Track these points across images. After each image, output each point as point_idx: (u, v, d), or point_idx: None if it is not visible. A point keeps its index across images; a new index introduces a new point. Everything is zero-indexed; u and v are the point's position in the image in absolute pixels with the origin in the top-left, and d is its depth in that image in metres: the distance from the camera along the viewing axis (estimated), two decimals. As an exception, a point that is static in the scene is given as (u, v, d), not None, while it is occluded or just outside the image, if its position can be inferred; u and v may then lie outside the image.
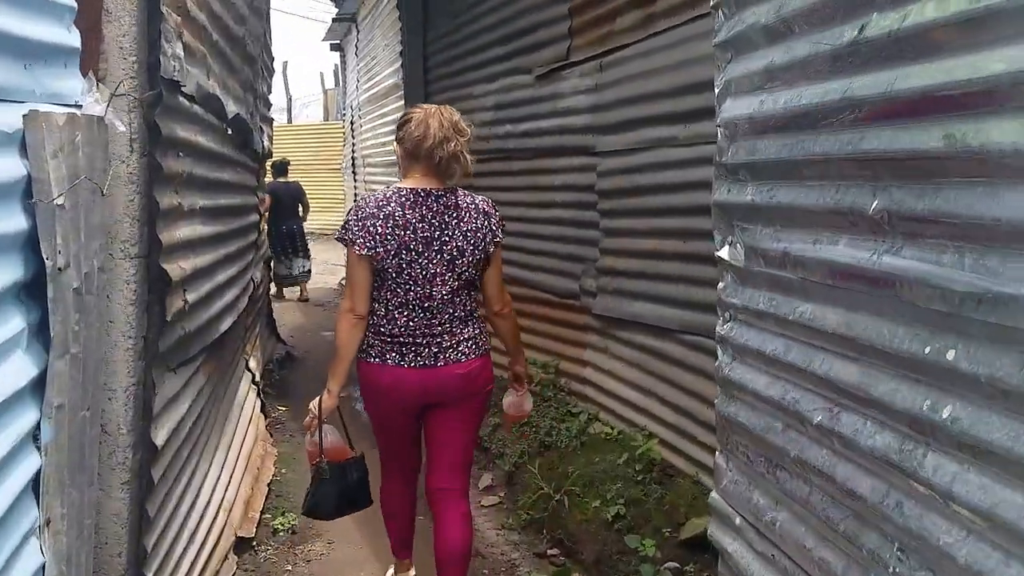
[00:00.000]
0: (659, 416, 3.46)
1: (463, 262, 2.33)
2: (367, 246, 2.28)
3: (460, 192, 2.42)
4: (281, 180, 8.13)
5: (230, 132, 2.86)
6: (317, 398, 2.46)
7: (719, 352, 1.98)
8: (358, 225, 2.31)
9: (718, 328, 1.98)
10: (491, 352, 2.53)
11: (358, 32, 9.37)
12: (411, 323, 2.35)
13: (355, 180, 10.03)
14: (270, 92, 4.95)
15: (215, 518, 2.89)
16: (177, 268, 2.17)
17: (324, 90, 18.11)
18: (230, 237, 3.12)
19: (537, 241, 4.48)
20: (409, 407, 2.45)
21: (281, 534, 3.46)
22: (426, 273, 2.31)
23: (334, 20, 9.72)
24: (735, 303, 1.88)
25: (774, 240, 1.68)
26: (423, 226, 2.30)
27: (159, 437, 2.14)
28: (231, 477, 3.23)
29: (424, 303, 2.33)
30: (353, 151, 10.15)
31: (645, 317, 3.49)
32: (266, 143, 4.43)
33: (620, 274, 3.69)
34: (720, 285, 1.96)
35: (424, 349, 2.36)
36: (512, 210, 4.75)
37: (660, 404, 3.45)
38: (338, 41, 11.33)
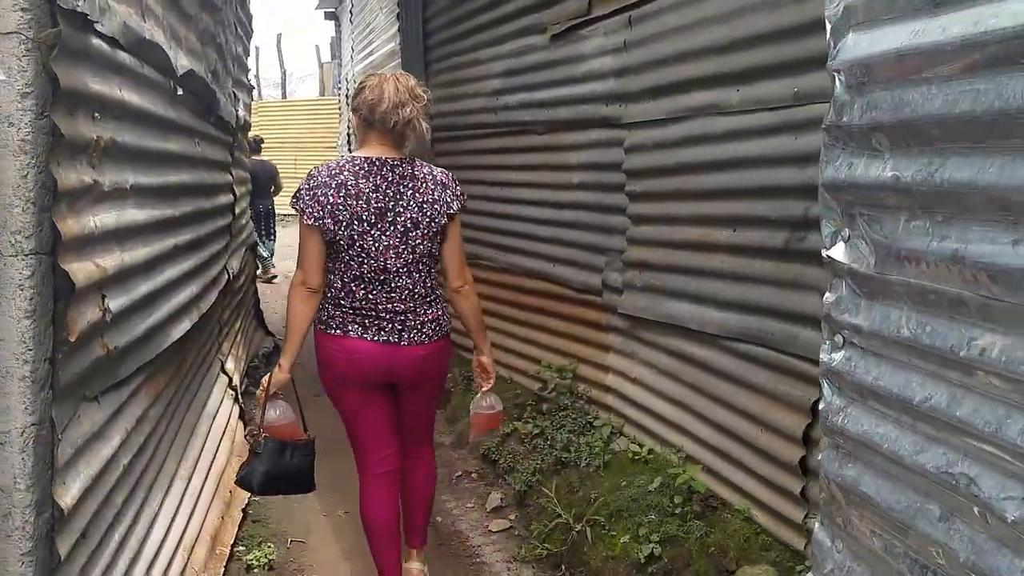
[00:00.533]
0: (698, 436, 2.93)
1: (417, 234, 2.28)
2: (315, 216, 2.22)
3: (417, 162, 2.35)
4: (256, 159, 7.92)
5: (180, 93, 2.31)
6: (269, 373, 2.40)
7: (824, 388, 1.44)
8: (309, 194, 2.23)
9: (823, 355, 1.44)
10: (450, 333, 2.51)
11: (353, -3, 8.78)
12: (370, 295, 2.30)
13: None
14: (247, 54, 4.38)
15: (170, 564, 2.38)
16: (89, 267, 1.63)
17: (320, 64, 17.44)
18: (186, 222, 2.58)
19: (552, 228, 3.93)
20: (370, 381, 2.39)
21: (256, 571, 2.95)
22: (379, 245, 2.25)
23: (328, -15, 9.11)
24: (854, 323, 1.34)
25: (933, 237, 1.13)
26: (376, 196, 2.24)
27: (69, 492, 1.62)
28: (193, 509, 2.71)
29: (380, 276, 2.28)
30: (349, 127, 9.55)
31: (683, 319, 2.95)
32: (241, 112, 3.87)
33: (652, 268, 3.14)
34: (828, 297, 1.42)
35: (388, 324, 2.32)
36: (524, 192, 4.20)
37: (700, 422, 2.92)
38: (333, 9, 10.70)
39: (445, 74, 5.12)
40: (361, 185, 2.24)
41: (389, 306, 2.31)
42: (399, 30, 6.02)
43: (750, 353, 2.63)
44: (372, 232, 2.25)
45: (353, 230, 2.24)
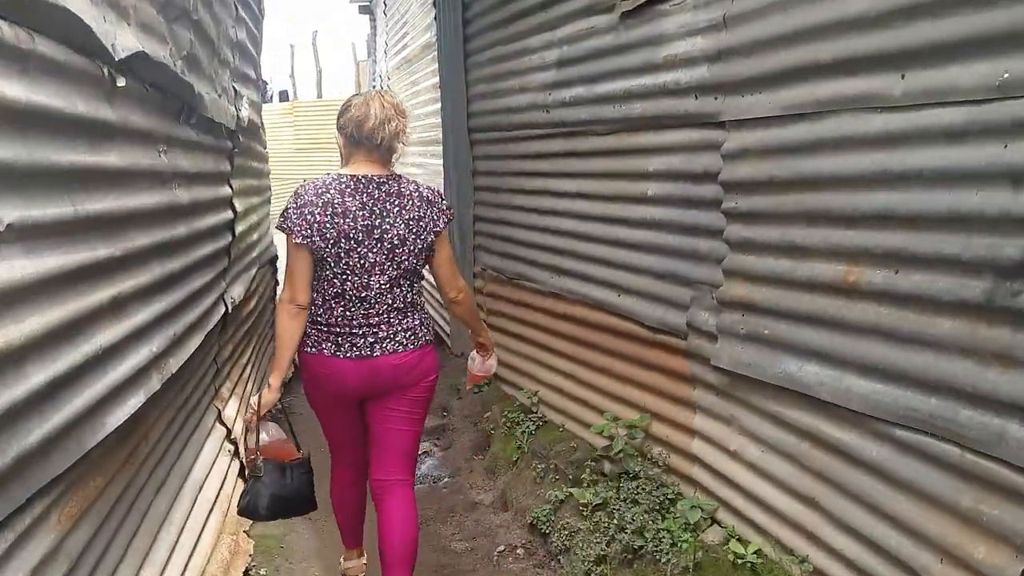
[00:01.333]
0: (832, 546, 2.17)
1: (403, 251, 2.30)
2: (303, 234, 2.23)
3: (403, 179, 2.36)
4: None
5: (122, 84, 1.63)
6: (258, 393, 2.37)
7: None
8: (296, 213, 2.24)
9: None
10: (433, 343, 2.49)
11: (387, -13, 8.13)
12: (348, 313, 2.31)
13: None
14: (257, 42, 3.72)
15: None
16: None
17: (356, 62, 16.90)
18: (141, 261, 1.91)
19: (619, 250, 3.19)
20: (347, 398, 2.41)
21: None
22: (364, 263, 2.27)
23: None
24: None
25: None
26: (363, 214, 2.25)
27: None
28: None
29: (361, 293, 2.29)
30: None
31: (810, 386, 2.19)
32: (244, 112, 3.21)
33: (762, 312, 2.38)
34: None
35: (360, 340, 2.32)
36: (582, 205, 3.47)
37: (835, 527, 2.16)
38: (367, 3, 10.09)
39: (487, 67, 4.41)
40: (348, 203, 2.24)
41: (364, 321, 2.31)
42: (435, 19, 5.32)
43: (920, 447, 1.86)
44: (359, 249, 2.26)
45: (340, 248, 2.24)
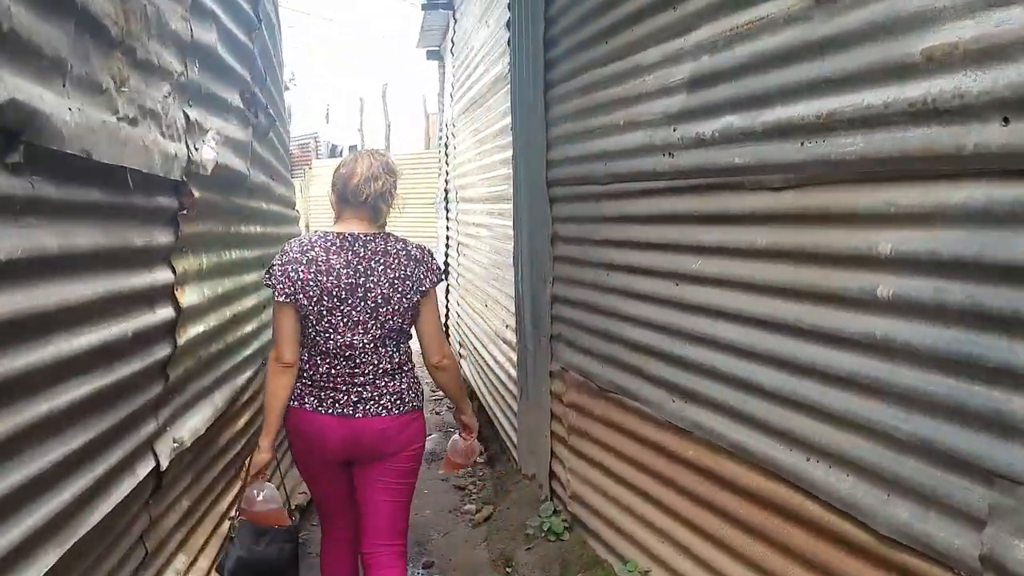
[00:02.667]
0: None
1: (387, 311, 2.26)
2: (286, 292, 2.21)
3: (391, 237, 2.35)
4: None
5: None
6: (251, 454, 2.34)
7: None
8: (281, 270, 2.23)
9: None
10: (421, 410, 2.42)
11: (455, 23, 7.15)
12: (333, 371, 2.27)
13: (447, 218, 7.75)
14: (252, 61, 2.63)
15: None
16: None
17: (426, 115, 16.21)
18: None
19: (811, 384, 1.89)
20: (329, 456, 2.33)
21: None
22: (348, 321, 2.24)
23: (423, 8, 7.52)
24: None
25: None
26: (348, 272, 2.24)
27: None
28: None
29: (345, 352, 2.26)
30: (447, 181, 7.90)
31: None
32: (208, 155, 2.07)
33: None
34: None
35: (343, 397, 2.28)
36: (732, 299, 2.18)
37: None
38: (436, 47, 9.20)
39: (575, 98, 3.24)
40: (332, 261, 2.24)
41: (350, 379, 2.27)
42: (508, 43, 4.21)
43: None
44: (342, 308, 2.24)
45: (323, 306, 2.22)
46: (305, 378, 2.28)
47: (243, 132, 2.44)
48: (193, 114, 1.95)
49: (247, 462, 2.32)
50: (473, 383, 5.91)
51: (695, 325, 2.38)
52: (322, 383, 2.26)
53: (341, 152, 17.87)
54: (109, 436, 1.62)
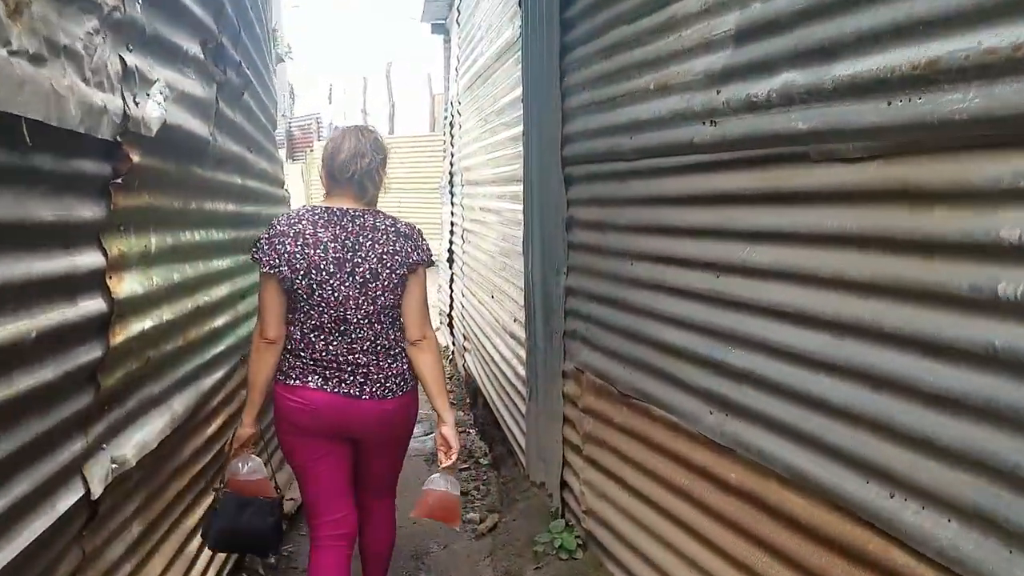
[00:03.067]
0: None
1: (376, 286, 2.26)
2: (270, 264, 2.21)
3: (380, 214, 2.35)
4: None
5: None
6: (235, 427, 2.38)
7: None
8: (268, 243, 2.22)
9: None
10: (416, 388, 2.42)
11: (461, -4, 6.73)
12: (330, 347, 2.26)
13: (452, 203, 7.36)
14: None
15: None
16: None
17: (432, 95, 15.77)
18: None
19: (902, 405, 1.51)
20: (328, 433, 2.31)
21: None
22: (338, 296, 2.23)
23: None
24: None
25: None
26: (335, 246, 2.23)
27: None
28: None
29: (339, 326, 2.25)
30: (451, 163, 7.50)
31: None
32: (152, 112, 1.68)
33: None
34: None
35: (348, 377, 2.28)
36: (791, 295, 1.80)
37: None
38: (441, 21, 8.76)
39: (596, 62, 2.86)
40: (320, 234, 2.23)
41: (351, 358, 2.27)
42: (519, 3, 3.81)
43: None
44: (331, 282, 2.22)
45: (312, 279, 2.21)
46: (304, 357, 2.27)
47: (204, 89, 2.05)
48: (133, 60, 1.56)
49: (231, 436, 2.38)
50: (478, 379, 5.55)
51: (741, 325, 2.00)
52: (324, 362, 2.26)
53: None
54: (5, 468, 1.25)
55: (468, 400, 5.98)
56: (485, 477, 4.38)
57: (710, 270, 2.14)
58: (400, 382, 2.33)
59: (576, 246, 3.16)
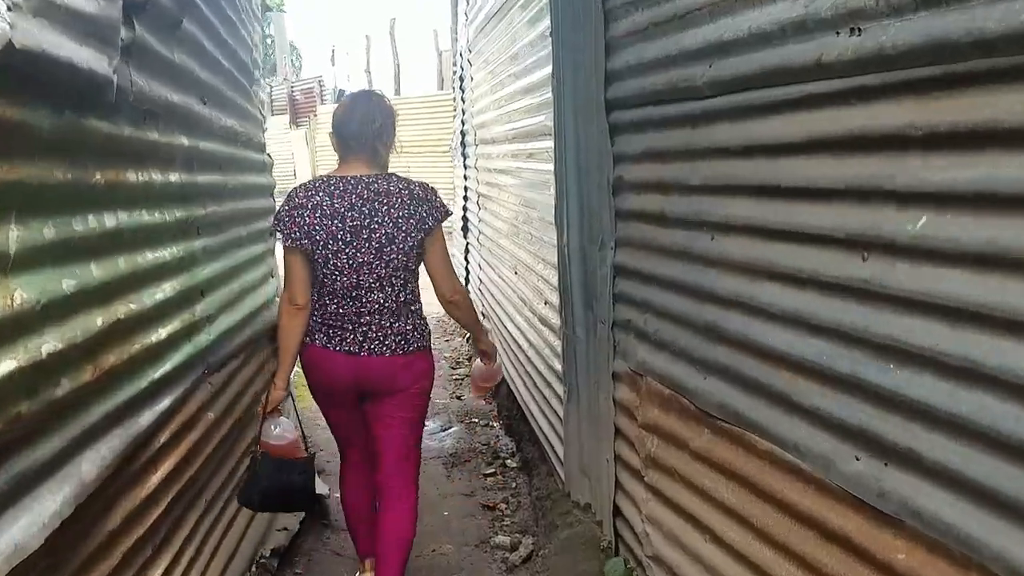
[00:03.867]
0: None
1: (392, 249, 2.33)
2: (292, 237, 2.30)
3: (393, 177, 2.39)
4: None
5: None
6: (267, 390, 2.49)
7: None
8: (288, 216, 2.32)
9: None
10: (428, 349, 2.49)
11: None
12: (340, 310, 2.36)
13: (465, 166, 6.65)
14: None
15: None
16: None
17: (438, 52, 14.91)
18: None
19: None
20: (339, 389, 2.46)
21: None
22: (353, 262, 2.32)
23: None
24: None
25: None
26: (352, 215, 2.30)
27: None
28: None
29: (352, 292, 2.34)
30: (463, 122, 6.76)
31: None
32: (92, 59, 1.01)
33: None
34: None
35: (349, 335, 2.37)
36: (1004, 290, 1.11)
37: None
38: (446, -35, 7.97)
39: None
40: (336, 205, 2.30)
41: (356, 319, 2.36)
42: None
43: None
44: (347, 250, 2.31)
45: (328, 249, 2.30)
46: (316, 316, 2.39)
47: (97, 3, 1.37)
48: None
49: (264, 398, 2.47)
50: (502, 364, 4.91)
51: (911, 333, 1.32)
52: (330, 321, 2.37)
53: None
54: None
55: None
56: (514, 485, 3.76)
57: (850, 249, 1.46)
58: (400, 340, 2.39)
59: (627, 214, 2.48)
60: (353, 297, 2.33)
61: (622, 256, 2.53)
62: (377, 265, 2.31)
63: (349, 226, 2.28)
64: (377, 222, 2.29)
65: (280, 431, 2.44)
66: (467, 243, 6.68)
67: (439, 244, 2.40)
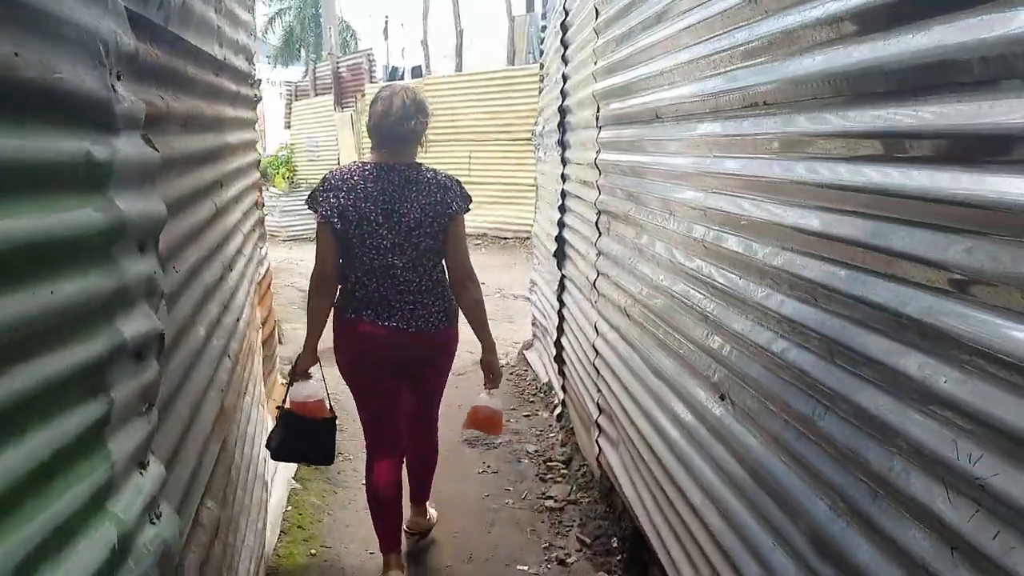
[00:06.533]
0: None
1: (419, 233, 2.64)
2: (324, 214, 2.59)
3: (422, 167, 2.71)
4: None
5: None
6: (298, 355, 2.77)
7: None
8: (323, 195, 2.62)
9: None
10: (458, 319, 2.84)
11: None
12: (381, 288, 2.67)
13: (563, 158, 4.45)
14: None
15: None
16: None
17: (510, 17, 12.71)
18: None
19: None
20: (382, 361, 2.74)
21: None
22: (385, 243, 2.62)
23: None
24: None
25: None
26: (383, 199, 2.61)
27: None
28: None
29: (389, 271, 2.65)
30: (563, 93, 4.56)
31: None
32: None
33: None
34: None
35: (397, 312, 2.68)
36: None
37: None
38: None
39: None
40: (370, 188, 2.61)
41: (399, 297, 2.68)
42: None
43: None
44: (379, 231, 2.61)
45: (362, 229, 2.61)
46: (359, 297, 2.68)
47: None
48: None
49: (293, 364, 2.77)
50: (638, 516, 2.72)
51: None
52: (376, 298, 2.66)
53: (403, 75, 14.56)
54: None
55: (614, 535, 3.22)
56: None
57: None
58: (443, 317, 2.75)
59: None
60: (391, 276, 2.64)
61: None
62: (407, 247, 2.63)
63: (380, 209, 2.59)
64: (406, 207, 2.61)
65: (309, 392, 2.75)
66: (562, 275, 4.48)
67: (459, 229, 2.73)
